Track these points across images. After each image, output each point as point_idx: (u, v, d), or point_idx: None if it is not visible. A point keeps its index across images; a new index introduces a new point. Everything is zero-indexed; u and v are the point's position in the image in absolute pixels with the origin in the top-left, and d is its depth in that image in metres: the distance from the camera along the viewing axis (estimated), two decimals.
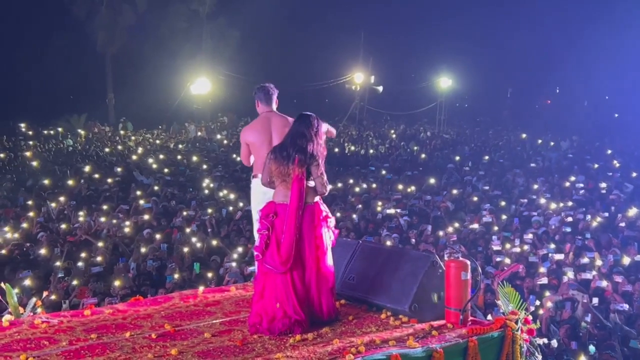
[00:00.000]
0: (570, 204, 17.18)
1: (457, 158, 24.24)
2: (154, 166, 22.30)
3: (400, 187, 19.42)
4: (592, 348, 9.07)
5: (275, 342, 5.60)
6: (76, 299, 10.18)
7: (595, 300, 10.46)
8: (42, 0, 39.18)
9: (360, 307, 6.46)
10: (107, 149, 27.86)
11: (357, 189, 18.92)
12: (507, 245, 13.39)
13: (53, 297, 9.84)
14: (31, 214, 15.44)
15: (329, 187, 6.15)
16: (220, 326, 6.06)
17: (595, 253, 12.86)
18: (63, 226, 14.68)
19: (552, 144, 30.28)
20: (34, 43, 39.06)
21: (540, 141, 31.14)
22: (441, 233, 14.25)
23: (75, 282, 10.86)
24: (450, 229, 14.52)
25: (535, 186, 19.40)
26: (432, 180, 19.96)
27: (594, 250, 13.18)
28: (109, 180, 19.71)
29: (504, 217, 15.88)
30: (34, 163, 22.79)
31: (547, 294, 10.72)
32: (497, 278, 10.82)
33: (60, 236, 13.91)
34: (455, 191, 18.50)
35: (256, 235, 6.62)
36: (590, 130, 33.37)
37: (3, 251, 12.70)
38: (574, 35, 43.96)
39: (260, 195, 6.67)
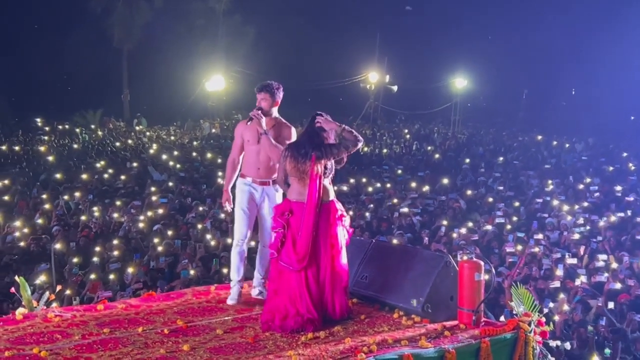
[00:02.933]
0: (585, 204, 17.09)
1: (467, 160, 24.07)
2: (170, 163, 22.34)
3: (413, 185, 19.37)
4: (607, 351, 9.01)
5: (287, 340, 5.61)
6: (89, 294, 10.23)
7: (610, 304, 10.39)
8: None
9: (373, 306, 6.45)
10: (117, 143, 27.94)
11: (370, 189, 18.89)
12: (519, 247, 13.33)
13: (68, 291, 9.89)
14: (47, 206, 15.52)
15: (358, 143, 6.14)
16: (232, 323, 6.08)
17: (610, 256, 12.78)
18: (79, 220, 14.76)
19: (567, 145, 30.11)
20: (51, 38, 39.22)
21: (555, 143, 30.97)
22: (455, 234, 14.19)
23: (92, 277, 10.91)
24: (463, 230, 14.46)
25: (549, 187, 19.30)
26: (445, 181, 19.89)
27: (608, 252, 13.10)
28: (122, 177, 19.76)
29: (514, 218, 15.81)
30: (50, 158, 22.89)
31: (562, 296, 10.65)
32: (509, 279, 10.79)
33: (76, 230, 13.97)
34: (469, 192, 18.43)
35: (236, 232, 6.69)
36: (605, 133, 33.12)
37: (22, 243, 12.77)
38: (591, 36, 43.65)
39: (241, 194, 6.65)
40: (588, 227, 15.09)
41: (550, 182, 19.86)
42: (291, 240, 5.91)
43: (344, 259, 6.09)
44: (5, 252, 12.41)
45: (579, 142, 30.74)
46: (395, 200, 17.20)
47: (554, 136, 32.94)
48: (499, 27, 46.08)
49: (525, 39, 45.67)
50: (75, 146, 27.26)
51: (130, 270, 11.10)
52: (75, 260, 11.75)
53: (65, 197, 16.25)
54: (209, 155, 24.53)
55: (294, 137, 6.58)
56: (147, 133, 33.89)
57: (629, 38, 40.04)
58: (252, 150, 6.62)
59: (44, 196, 16.60)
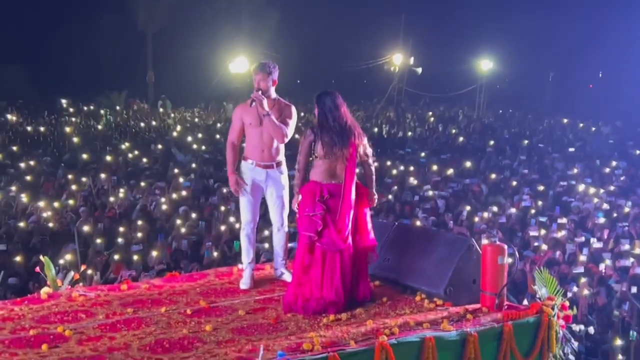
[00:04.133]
0: (612, 188, 16.91)
1: (491, 143, 23.90)
2: (194, 146, 22.41)
3: (434, 168, 19.28)
4: (633, 334, 8.93)
5: (309, 322, 5.63)
6: (112, 275, 10.32)
7: (634, 289, 10.30)
8: None
9: (395, 289, 6.44)
10: (142, 124, 28.06)
11: (394, 171, 18.83)
12: (543, 231, 13.24)
13: (89, 271, 9.98)
14: (74, 187, 15.64)
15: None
16: (254, 304, 6.10)
17: (636, 241, 12.65)
18: (105, 200, 14.88)
19: (593, 129, 29.79)
20: (77, 21, 39.42)
21: (581, 125, 30.65)
22: (477, 218, 14.12)
23: (116, 257, 11.01)
24: (485, 214, 14.35)
25: (575, 171, 19.13)
26: (468, 164, 19.77)
27: (635, 237, 12.97)
28: (145, 159, 19.86)
29: (539, 203, 15.68)
30: (75, 139, 23.05)
31: (583, 279, 10.57)
32: (530, 263, 10.73)
33: (102, 211, 14.08)
34: (494, 175, 18.30)
35: (242, 216, 6.67)
36: (633, 116, 32.70)
37: (51, 225, 12.89)
38: (619, 18, 43.00)
39: (244, 177, 6.59)
40: (614, 212, 14.93)
41: (575, 166, 19.68)
42: (332, 222, 5.89)
43: (373, 235, 6.13)
44: (31, 233, 12.52)
45: (605, 125, 30.38)
46: (415, 182, 17.13)
47: (579, 119, 32.59)
48: (525, 9, 45.47)
49: (552, 21, 45.11)
50: (100, 127, 27.43)
51: (154, 253, 11.16)
52: (99, 240, 11.85)
53: (85, 179, 16.31)
54: None
55: (294, 116, 6.49)
56: (172, 115, 34.01)
57: None
58: (254, 133, 6.51)
59: (70, 177, 16.73)
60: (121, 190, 15.58)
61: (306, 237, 5.94)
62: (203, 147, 22.08)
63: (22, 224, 12.82)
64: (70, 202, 14.68)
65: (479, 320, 5.66)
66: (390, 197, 15.74)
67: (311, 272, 5.92)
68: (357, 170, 6.13)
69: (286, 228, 6.71)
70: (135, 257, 11.15)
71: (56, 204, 14.21)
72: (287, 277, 6.54)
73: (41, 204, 14.06)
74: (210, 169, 18.45)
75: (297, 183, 6.12)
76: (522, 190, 16.64)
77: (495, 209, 15.03)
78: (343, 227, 5.92)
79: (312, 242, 5.92)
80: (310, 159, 6.06)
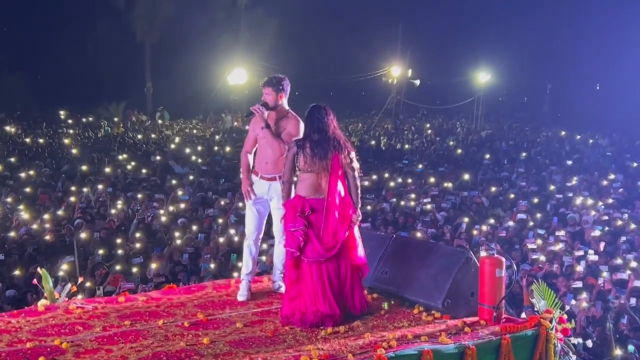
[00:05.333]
0: (610, 201, 16.91)
1: (487, 156, 23.85)
2: (192, 157, 22.41)
3: (432, 180, 19.27)
4: (631, 347, 8.93)
5: (307, 334, 5.62)
6: (109, 286, 10.30)
7: (632, 301, 10.29)
8: None
9: (393, 302, 6.42)
10: (139, 136, 28.07)
11: (391, 184, 18.82)
12: (539, 241, 13.23)
13: (88, 284, 9.96)
14: (72, 199, 15.64)
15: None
16: (252, 316, 6.10)
17: (629, 255, 12.64)
18: (103, 212, 14.86)
19: (591, 141, 29.83)
20: (75, 32, 39.52)
21: (578, 137, 30.69)
22: (475, 231, 14.10)
23: (118, 268, 11.00)
24: (484, 227, 14.33)
25: (572, 182, 19.13)
26: (466, 176, 19.77)
27: (631, 250, 12.96)
28: (144, 170, 19.87)
29: (538, 215, 15.68)
30: (73, 150, 23.05)
31: (584, 294, 10.56)
32: (526, 276, 10.72)
33: (99, 222, 14.06)
34: (493, 188, 18.28)
35: (246, 228, 6.72)
36: (631, 128, 32.75)
37: (47, 237, 12.87)
38: (616, 31, 43.16)
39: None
40: (611, 225, 14.92)
41: (574, 178, 19.68)
42: (315, 237, 5.88)
43: (362, 252, 6.09)
44: (27, 244, 12.50)
45: (603, 137, 30.42)
46: (412, 196, 17.13)
47: (577, 132, 32.62)
48: (522, 21, 45.66)
49: (550, 33, 45.27)
50: (100, 138, 27.41)
51: (153, 266, 11.15)
52: (100, 252, 11.85)
53: (89, 191, 16.33)
54: (227, 149, 24.52)
55: (300, 131, 6.45)
56: (168, 125, 33.98)
57: None
58: (261, 145, 6.64)
59: (73, 188, 16.73)
60: (119, 202, 15.57)
61: (289, 252, 5.95)
62: (200, 160, 22.07)
63: (17, 235, 12.80)
64: (68, 213, 14.66)
65: (477, 333, 5.65)
66: (387, 209, 15.73)
67: (300, 286, 5.92)
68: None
69: None
70: (134, 269, 11.14)
71: (47, 216, 14.19)
72: (284, 290, 6.54)
73: (27, 216, 14.06)
74: (208, 181, 18.44)
75: (282, 196, 6.18)
76: (519, 203, 16.63)
77: (492, 221, 15.03)
78: (328, 240, 5.88)
79: (296, 257, 5.92)
80: (297, 172, 6.09)
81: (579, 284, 11.00)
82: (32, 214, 14.25)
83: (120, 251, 12.03)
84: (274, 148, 6.48)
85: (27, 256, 11.84)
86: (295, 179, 6.20)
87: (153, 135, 29.08)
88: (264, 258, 11.23)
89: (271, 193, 6.58)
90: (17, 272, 10.71)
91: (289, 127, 6.53)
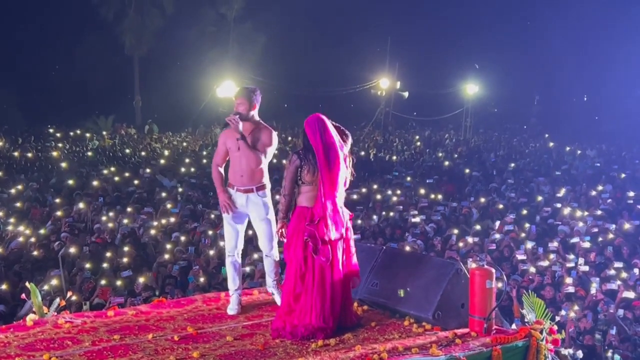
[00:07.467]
0: (599, 212, 16.96)
1: (467, 171, 23.75)
2: (182, 169, 22.35)
3: (422, 191, 19.30)
4: (617, 357, 8.95)
5: (297, 347, 5.60)
6: (98, 299, 10.24)
7: (620, 312, 10.32)
8: (71, 1, 39.59)
9: (383, 314, 6.43)
10: (127, 150, 27.98)
11: (378, 196, 18.78)
12: (529, 250, 13.26)
13: (74, 297, 9.89)
14: (59, 213, 15.55)
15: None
16: (242, 330, 6.07)
17: (618, 264, 12.68)
18: (90, 226, 14.78)
19: (579, 152, 29.96)
20: (63, 46, 39.50)
21: (568, 149, 30.82)
22: (461, 243, 14.06)
23: (103, 282, 10.93)
24: (470, 240, 14.30)
25: (560, 194, 19.19)
26: (454, 187, 19.79)
27: (620, 260, 13.00)
28: (134, 182, 19.81)
29: (526, 225, 15.70)
30: (62, 164, 22.95)
31: (575, 307, 10.57)
32: (521, 289, 10.72)
33: (86, 236, 13.99)
34: (482, 199, 18.31)
35: (226, 243, 6.66)
36: (619, 139, 32.96)
37: (35, 252, 12.78)
38: (603, 42, 43.55)
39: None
40: (600, 236, 14.95)
41: (563, 189, 19.75)
42: (325, 243, 5.88)
43: (356, 262, 6.13)
44: (13, 259, 12.41)
45: (590, 148, 30.57)
46: (401, 207, 17.14)
47: (565, 143, 32.76)
48: (510, 33, 46.00)
49: (537, 45, 45.61)
50: (89, 153, 27.29)
51: (141, 280, 11.07)
52: (87, 266, 11.77)
53: (80, 206, 16.25)
54: None
55: (274, 141, 6.46)
56: (157, 137, 33.89)
57: None
58: (235, 158, 6.50)
59: (58, 200, 16.64)
60: (109, 215, 15.49)
61: (297, 265, 5.90)
62: (190, 171, 22.02)
63: (5, 251, 12.73)
64: (56, 227, 14.59)
65: (468, 345, 5.65)
66: (376, 221, 15.73)
67: (302, 300, 5.89)
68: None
69: (276, 257, 6.62)
70: (120, 283, 11.07)
71: (42, 231, 14.13)
72: (277, 298, 6.52)
73: (21, 229, 13.99)
74: (197, 194, 18.39)
75: (281, 209, 6.05)
76: (507, 215, 16.65)
77: (479, 229, 15.04)
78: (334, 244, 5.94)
79: (303, 271, 5.89)
80: (298, 184, 6.02)
81: (570, 289, 11.03)
82: (23, 229, 14.15)
83: (106, 265, 11.95)
84: (250, 159, 6.41)
85: (13, 272, 11.76)
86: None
87: (143, 153, 28.89)
88: (247, 269, 11.16)
89: (249, 205, 6.50)
90: (4, 287, 10.61)
91: (263, 138, 6.48)
